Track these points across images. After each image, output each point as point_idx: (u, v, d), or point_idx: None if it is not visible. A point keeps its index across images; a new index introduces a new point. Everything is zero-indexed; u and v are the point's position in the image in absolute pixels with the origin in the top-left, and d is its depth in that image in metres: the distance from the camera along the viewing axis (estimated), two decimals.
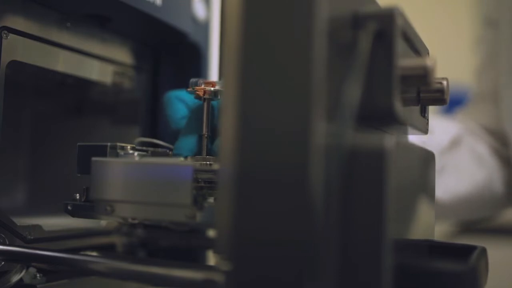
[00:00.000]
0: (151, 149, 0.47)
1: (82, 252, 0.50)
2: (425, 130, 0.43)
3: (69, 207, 0.44)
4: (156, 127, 0.66)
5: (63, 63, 0.55)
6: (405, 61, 0.33)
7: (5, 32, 0.48)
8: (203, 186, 0.41)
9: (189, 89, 0.46)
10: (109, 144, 0.43)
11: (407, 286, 0.31)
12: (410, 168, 0.35)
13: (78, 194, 0.44)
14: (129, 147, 0.44)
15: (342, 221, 0.29)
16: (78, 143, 0.45)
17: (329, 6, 0.29)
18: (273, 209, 0.29)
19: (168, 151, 0.48)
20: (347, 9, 0.32)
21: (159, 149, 0.49)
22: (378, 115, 0.33)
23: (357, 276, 0.29)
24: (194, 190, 0.38)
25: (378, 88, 0.33)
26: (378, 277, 0.28)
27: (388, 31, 0.32)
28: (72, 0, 0.53)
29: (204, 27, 0.65)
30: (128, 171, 0.41)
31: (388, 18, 0.33)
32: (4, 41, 0.47)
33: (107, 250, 0.56)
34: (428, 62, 0.33)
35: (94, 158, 0.42)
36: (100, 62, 0.59)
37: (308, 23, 0.28)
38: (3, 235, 0.46)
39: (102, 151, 0.43)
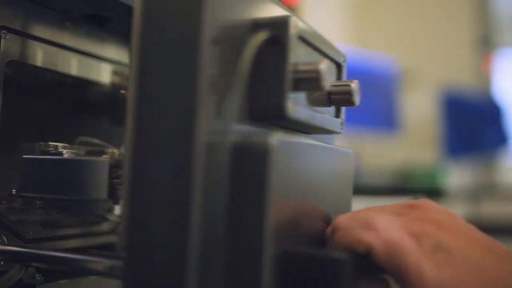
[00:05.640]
0: (89, 148, 0.48)
1: (81, 252, 0.50)
2: (339, 130, 0.45)
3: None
4: None
5: (62, 63, 0.55)
6: (300, 65, 0.36)
7: (4, 31, 0.48)
8: (120, 181, 0.43)
9: None
10: (41, 143, 0.45)
11: (293, 272, 0.33)
12: (313, 166, 0.38)
13: (14, 190, 0.46)
14: (59, 145, 0.46)
15: (228, 214, 0.32)
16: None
17: (220, 15, 0.32)
18: (158, 200, 0.31)
19: (107, 149, 0.49)
20: (248, 17, 0.36)
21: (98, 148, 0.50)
22: (271, 116, 0.36)
23: (241, 264, 0.32)
24: (110, 184, 0.41)
25: (270, 90, 0.35)
26: (259, 265, 0.31)
27: (282, 37, 0.35)
28: (71, 0, 0.53)
29: None
30: (49, 167, 0.43)
31: (282, 25, 0.35)
32: (3, 41, 0.48)
33: (107, 250, 0.56)
34: (321, 66, 0.36)
35: (24, 156, 0.45)
36: (100, 62, 0.59)
37: (195, 30, 0.31)
38: (2, 235, 0.46)
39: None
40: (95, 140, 0.50)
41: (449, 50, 2.92)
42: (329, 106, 0.43)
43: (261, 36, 0.34)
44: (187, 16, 0.31)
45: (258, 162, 0.32)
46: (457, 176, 2.50)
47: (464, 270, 0.33)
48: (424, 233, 0.34)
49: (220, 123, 0.32)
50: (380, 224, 0.34)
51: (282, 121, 0.36)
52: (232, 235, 0.32)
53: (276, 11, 0.39)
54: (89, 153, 0.47)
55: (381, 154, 2.71)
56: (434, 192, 2.04)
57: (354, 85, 0.42)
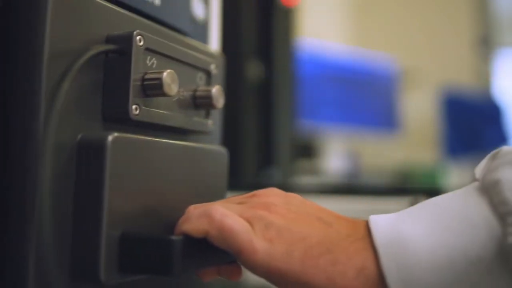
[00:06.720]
0: None
1: None
2: (206, 131, 0.50)
3: None
4: None
5: None
6: (148, 73, 0.42)
7: None
8: None
9: None
10: None
11: (136, 252, 0.38)
12: (167, 162, 0.43)
13: None
14: None
15: (75, 202, 0.38)
16: None
17: (67, 30, 0.38)
18: (16, 193, 0.36)
19: None
20: (101, 34, 0.41)
21: None
22: (120, 118, 0.41)
23: (84, 242, 0.37)
24: None
25: (119, 95, 0.41)
26: (97, 246, 0.37)
27: (127, 49, 0.41)
28: None
29: (203, 26, 0.65)
30: None
31: (126, 39, 0.41)
32: None
33: None
34: (164, 74, 0.41)
35: None
36: None
37: (39, 45, 0.37)
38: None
39: None
40: None
41: (449, 50, 2.92)
42: (196, 109, 0.49)
43: (98, 48, 0.40)
44: (34, 30, 0.37)
45: (97, 156, 0.37)
46: (457, 176, 2.50)
47: (291, 242, 0.38)
48: (256, 216, 0.40)
49: (64, 125, 0.37)
50: (215, 212, 0.39)
51: (128, 122, 0.41)
52: (76, 221, 0.38)
53: (137, 27, 0.43)
54: None
55: (381, 154, 2.71)
56: (434, 192, 2.03)
57: (215, 90, 0.47)
